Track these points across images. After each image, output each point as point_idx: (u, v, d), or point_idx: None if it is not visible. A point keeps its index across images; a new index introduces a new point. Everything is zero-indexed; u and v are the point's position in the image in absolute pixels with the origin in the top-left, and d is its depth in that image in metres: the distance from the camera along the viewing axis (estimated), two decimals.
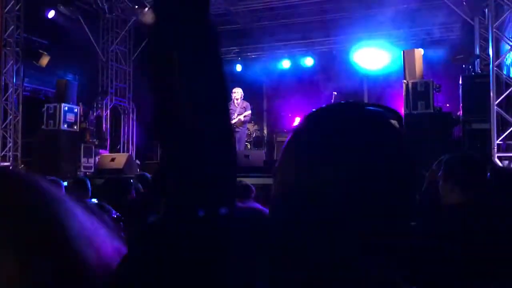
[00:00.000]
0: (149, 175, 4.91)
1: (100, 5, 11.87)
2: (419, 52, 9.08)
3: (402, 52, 9.05)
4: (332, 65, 13.09)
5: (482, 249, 2.04)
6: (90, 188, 5.19)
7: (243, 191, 4.25)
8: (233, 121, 10.30)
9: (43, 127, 10.32)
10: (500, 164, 7.45)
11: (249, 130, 12.26)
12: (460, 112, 8.70)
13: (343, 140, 0.70)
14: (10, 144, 10.45)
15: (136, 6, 11.34)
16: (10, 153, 10.46)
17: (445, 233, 2.15)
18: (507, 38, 7.92)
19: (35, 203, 0.64)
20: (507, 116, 7.60)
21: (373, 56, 12.58)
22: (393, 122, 0.77)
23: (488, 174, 3.37)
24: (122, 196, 2.92)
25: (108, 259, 0.66)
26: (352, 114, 0.76)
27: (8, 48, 10.52)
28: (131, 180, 3.37)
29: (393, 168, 0.70)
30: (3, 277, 0.59)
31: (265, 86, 15.14)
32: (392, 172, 0.69)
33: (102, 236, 0.68)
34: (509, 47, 7.76)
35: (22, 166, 10.47)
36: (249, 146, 12.39)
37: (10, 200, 0.63)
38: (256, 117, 12.85)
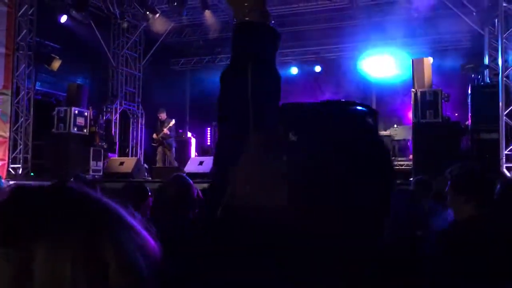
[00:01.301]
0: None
1: (112, 10, 12.00)
2: (428, 61, 9.10)
3: (411, 60, 9.06)
4: (340, 72, 13.12)
5: (496, 262, 2.06)
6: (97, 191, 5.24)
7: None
8: None
9: (53, 130, 10.42)
10: (508, 174, 7.44)
11: None
12: (469, 122, 8.70)
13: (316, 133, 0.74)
14: (21, 146, 10.57)
15: (147, 12, 11.45)
16: (21, 155, 10.58)
17: (461, 247, 2.17)
18: None
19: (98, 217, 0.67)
20: None
21: (381, 64, 12.60)
22: (369, 119, 0.79)
23: (498, 186, 3.39)
24: (140, 202, 2.96)
25: (154, 259, 0.69)
26: (326, 110, 0.80)
27: (21, 52, 10.66)
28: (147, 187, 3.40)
29: (364, 160, 0.73)
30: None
31: None
32: (364, 165, 0.73)
33: (148, 240, 0.71)
34: None
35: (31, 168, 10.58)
36: None
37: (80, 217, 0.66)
38: None
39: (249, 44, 1.11)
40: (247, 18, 1.11)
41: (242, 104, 1.01)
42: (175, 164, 11.28)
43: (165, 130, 11.34)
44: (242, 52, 1.12)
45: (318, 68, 13.87)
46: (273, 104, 1.02)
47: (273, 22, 1.16)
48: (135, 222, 0.69)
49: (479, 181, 2.54)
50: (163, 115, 11.59)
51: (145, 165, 11.51)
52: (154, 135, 11.70)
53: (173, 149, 11.67)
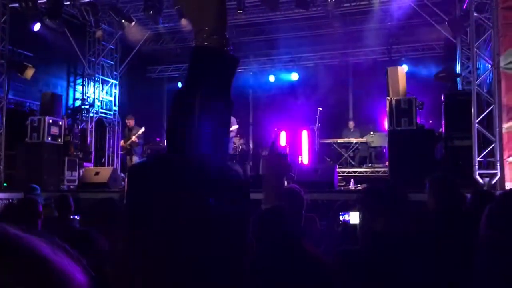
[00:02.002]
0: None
1: (87, 18, 11.87)
2: (403, 69, 9.24)
3: (386, 69, 9.19)
4: (317, 80, 13.21)
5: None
6: (72, 205, 5.16)
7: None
8: None
9: (27, 139, 10.21)
10: (481, 181, 7.57)
11: (235, 144, 12.29)
12: (443, 129, 8.85)
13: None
14: None
15: (123, 20, 11.35)
16: None
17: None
18: (488, 57, 8.11)
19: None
20: (487, 134, 7.75)
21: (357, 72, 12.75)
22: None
23: (469, 195, 3.45)
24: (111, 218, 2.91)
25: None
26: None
27: None
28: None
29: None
30: None
31: (251, 100, 15.22)
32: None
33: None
34: (490, 66, 7.94)
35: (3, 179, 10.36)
36: (234, 161, 12.41)
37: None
38: (242, 131, 12.89)
39: (204, 69, 1.12)
40: (206, 43, 1.12)
41: (184, 126, 1.03)
42: None
43: (133, 138, 11.22)
44: (196, 76, 1.12)
45: (295, 76, 13.93)
46: (220, 129, 1.03)
47: (231, 48, 1.17)
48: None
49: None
50: (131, 122, 11.51)
51: (122, 174, 11.36)
52: (122, 143, 11.65)
53: (139, 157, 11.55)
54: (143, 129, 11.30)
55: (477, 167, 7.65)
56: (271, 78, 14.13)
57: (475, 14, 8.15)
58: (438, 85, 10.54)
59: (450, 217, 2.89)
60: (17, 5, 10.36)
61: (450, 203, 2.95)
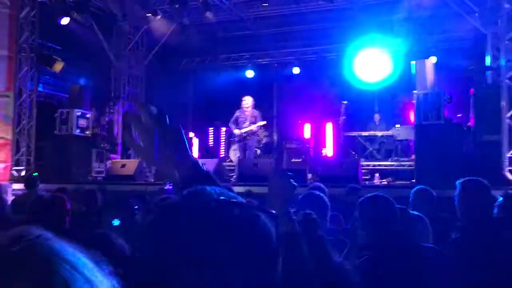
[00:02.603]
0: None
1: (114, 11, 12.00)
2: (430, 62, 9.06)
3: (413, 62, 9.02)
4: (342, 73, 13.06)
5: None
6: (99, 199, 5.27)
7: None
8: (243, 130, 10.35)
9: (55, 132, 10.45)
10: (510, 177, 7.41)
11: (259, 137, 12.31)
12: (471, 123, 8.67)
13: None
14: (24, 148, 10.61)
15: (149, 14, 11.44)
16: (24, 157, 10.62)
17: None
18: None
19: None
20: None
21: (381, 64, 12.53)
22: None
23: (500, 198, 3.37)
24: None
25: None
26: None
27: (23, 54, 10.68)
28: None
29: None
30: None
31: (275, 92, 15.19)
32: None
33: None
34: None
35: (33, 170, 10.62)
36: (258, 152, 12.44)
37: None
38: (266, 123, 12.90)
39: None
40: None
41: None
42: None
43: None
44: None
45: (319, 68, 13.78)
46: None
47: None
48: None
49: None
50: None
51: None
52: None
53: None
54: None
55: (507, 163, 7.48)
56: (295, 70, 14.04)
57: (507, 5, 7.92)
58: (467, 78, 10.31)
59: (478, 224, 2.83)
60: None
61: (481, 210, 2.89)
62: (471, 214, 2.98)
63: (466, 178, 3.09)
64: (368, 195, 2.64)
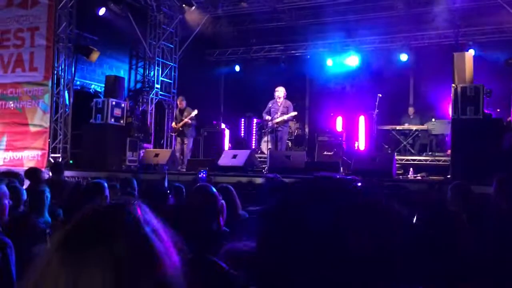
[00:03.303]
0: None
1: (149, 2, 12.12)
2: (470, 55, 8.79)
3: (452, 54, 8.77)
4: (378, 65, 12.83)
5: None
6: (136, 188, 5.36)
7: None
8: (277, 120, 10.32)
9: (91, 120, 10.66)
10: None
11: (290, 129, 12.26)
12: (511, 119, 8.39)
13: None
14: (61, 136, 10.88)
15: (183, 5, 11.50)
16: (60, 145, 10.89)
17: None
18: None
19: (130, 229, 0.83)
20: None
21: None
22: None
23: None
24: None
25: (176, 263, 0.84)
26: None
27: (61, 44, 10.92)
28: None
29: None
30: None
31: (308, 84, 15.07)
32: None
33: (171, 245, 0.86)
34: None
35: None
36: (290, 145, 12.40)
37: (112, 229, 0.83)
38: (298, 115, 12.82)
39: None
40: None
41: None
42: (189, 155, 11.26)
43: (186, 120, 11.17)
44: None
45: (355, 60, 13.56)
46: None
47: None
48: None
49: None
50: (182, 103, 11.38)
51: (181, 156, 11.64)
52: (173, 124, 11.62)
53: (192, 139, 11.59)
54: (196, 111, 11.23)
55: None
56: (329, 62, 13.87)
57: None
58: (508, 72, 9.96)
59: None
60: None
61: None
62: (507, 210, 2.88)
63: (503, 175, 3.01)
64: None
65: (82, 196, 4.04)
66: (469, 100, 8.08)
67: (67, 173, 9.75)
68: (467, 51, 9.72)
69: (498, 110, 9.76)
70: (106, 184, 3.71)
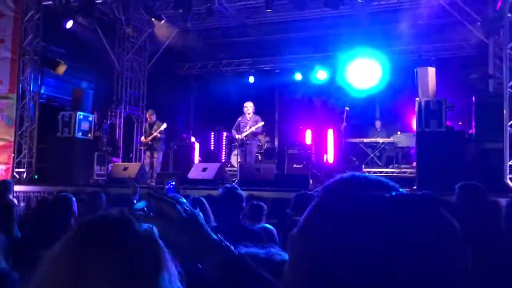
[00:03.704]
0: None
1: (117, 16, 12.06)
2: (432, 70, 9.10)
3: (415, 69, 9.07)
4: (344, 79, 13.10)
5: None
6: (104, 200, 5.28)
7: (254, 212, 4.28)
8: (245, 134, 10.39)
9: (58, 134, 10.47)
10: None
11: (260, 142, 12.34)
12: (473, 131, 8.70)
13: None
14: (26, 150, 10.63)
15: (153, 18, 11.50)
16: (25, 159, 10.63)
17: None
18: None
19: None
20: None
21: (374, 72, 12.58)
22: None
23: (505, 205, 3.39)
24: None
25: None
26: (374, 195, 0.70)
27: (27, 57, 10.73)
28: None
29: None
30: None
31: (277, 98, 15.23)
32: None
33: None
34: None
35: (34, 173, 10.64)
36: (260, 158, 12.46)
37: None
38: (267, 128, 12.93)
39: None
40: None
41: None
42: (159, 169, 11.21)
43: (155, 133, 11.12)
44: None
45: (323, 74, 13.79)
46: None
47: None
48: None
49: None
50: (152, 117, 11.35)
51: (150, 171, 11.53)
52: (143, 138, 11.55)
53: (161, 153, 11.55)
54: (165, 125, 11.17)
55: (508, 171, 7.50)
56: (298, 76, 14.09)
57: (509, 15, 7.98)
58: (469, 86, 10.35)
59: (479, 226, 2.87)
60: (50, 2, 10.61)
61: (478, 211, 2.93)
62: (469, 216, 3.01)
63: (465, 182, 3.15)
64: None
65: (48, 210, 3.96)
66: (433, 114, 8.36)
67: (32, 188, 9.53)
68: (430, 66, 10.04)
69: (460, 123, 10.11)
70: (73, 198, 3.66)
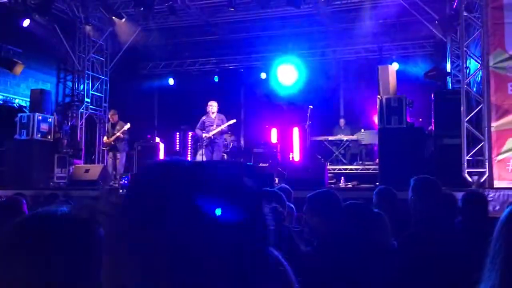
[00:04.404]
0: None
1: (77, 14, 11.78)
2: (393, 68, 9.29)
3: (377, 67, 9.22)
4: (310, 78, 13.21)
5: None
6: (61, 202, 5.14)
7: None
8: (214, 132, 10.31)
9: (16, 136, 10.14)
10: (470, 179, 7.65)
11: (226, 141, 12.28)
12: (432, 127, 8.92)
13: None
14: None
15: (113, 17, 11.28)
16: None
17: None
18: (477, 57, 8.17)
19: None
20: (476, 133, 7.82)
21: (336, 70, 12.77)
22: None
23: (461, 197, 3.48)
24: None
25: None
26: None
27: None
28: None
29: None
30: None
31: (243, 97, 15.21)
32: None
33: None
34: (479, 65, 8.00)
35: None
36: (226, 157, 12.41)
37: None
38: (233, 128, 12.88)
39: None
40: None
41: None
42: (122, 170, 11.05)
43: (118, 134, 10.96)
44: None
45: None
46: None
47: None
48: None
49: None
50: (114, 117, 11.18)
51: (113, 172, 11.31)
52: (105, 139, 11.37)
53: (124, 154, 11.39)
54: (128, 125, 11.04)
55: (466, 165, 7.72)
56: (263, 76, 14.12)
57: (465, 13, 8.20)
58: (428, 84, 10.61)
59: (433, 219, 2.93)
60: (6, 0, 10.26)
61: (433, 203, 3.00)
62: (423, 209, 3.08)
63: (419, 176, 3.22)
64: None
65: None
66: (394, 111, 8.52)
67: None
68: (391, 64, 10.25)
69: (420, 119, 10.34)
70: (24, 201, 3.53)
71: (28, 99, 10.90)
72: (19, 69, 10.63)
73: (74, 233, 0.91)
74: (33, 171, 9.89)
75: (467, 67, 8.52)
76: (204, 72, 14.70)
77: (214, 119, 10.39)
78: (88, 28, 12.13)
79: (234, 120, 10.58)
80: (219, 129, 10.25)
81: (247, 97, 15.00)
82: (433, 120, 8.78)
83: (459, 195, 3.81)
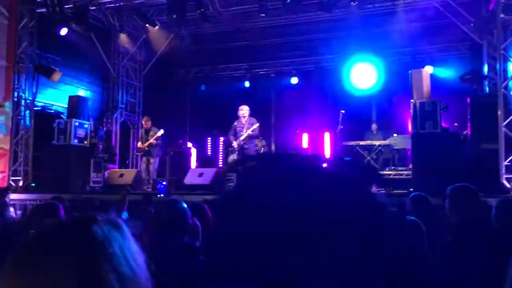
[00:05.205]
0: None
1: (112, 22, 12.08)
2: (427, 71, 9.12)
3: (409, 71, 9.08)
4: (339, 82, 13.11)
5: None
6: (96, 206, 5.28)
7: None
8: (242, 137, 10.35)
9: (53, 142, 10.45)
10: (508, 185, 7.43)
11: (257, 146, 12.31)
12: (468, 132, 8.71)
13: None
14: (21, 158, 10.60)
15: (147, 24, 11.52)
16: (21, 167, 10.60)
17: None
18: None
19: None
20: None
21: (372, 75, 12.63)
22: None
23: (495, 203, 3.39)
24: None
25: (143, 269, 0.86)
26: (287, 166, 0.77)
27: (21, 64, 10.72)
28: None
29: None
30: None
31: (273, 102, 15.22)
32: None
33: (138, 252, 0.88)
34: None
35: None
36: None
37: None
38: (264, 133, 12.89)
39: None
40: None
41: None
42: (155, 175, 11.20)
43: (152, 140, 11.18)
44: None
45: (317, 78, 13.83)
46: None
47: None
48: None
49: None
50: (148, 123, 11.39)
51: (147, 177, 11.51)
52: (139, 144, 11.58)
53: (157, 159, 11.57)
54: (162, 131, 11.24)
55: (504, 171, 7.50)
56: (294, 80, 14.11)
57: (502, 15, 8.00)
58: (464, 87, 10.36)
59: (470, 228, 2.86)
60: (44, 10, 10.62)
61: (471, 213, 2.92)
62: (460, 217, 3.01)
63: (456, 184, 3.15)
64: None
65: (37, 220, 3.93)
66: (428, 115, 8.36)
67: (28, 196, 9.50)
68: (424, 68, 10.07)
69: (456, 124, 10.11)
70: (61, 205, 3.64)
71: (66, 106, 11.22)
72: (57, 76, 10.96)
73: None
74: (70, 175, 10.15)
75: (504, 70, 8.29)
76: (235, 77, 14.81)
77: (245, 124, 10.43)
78: (122, 35, 12.42)
79: (258, 124, 10.55)
80: (246, 134, 10.27)
81: (278, 102, 15.00)
82: (469, 124, 8.58)
83: (495, 201, 3.72)
